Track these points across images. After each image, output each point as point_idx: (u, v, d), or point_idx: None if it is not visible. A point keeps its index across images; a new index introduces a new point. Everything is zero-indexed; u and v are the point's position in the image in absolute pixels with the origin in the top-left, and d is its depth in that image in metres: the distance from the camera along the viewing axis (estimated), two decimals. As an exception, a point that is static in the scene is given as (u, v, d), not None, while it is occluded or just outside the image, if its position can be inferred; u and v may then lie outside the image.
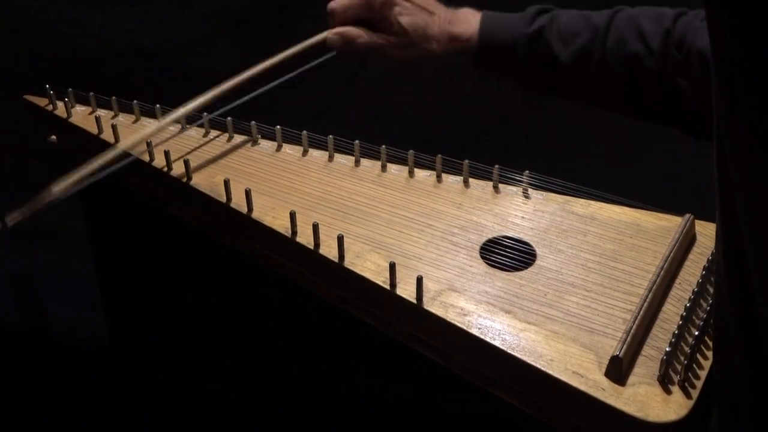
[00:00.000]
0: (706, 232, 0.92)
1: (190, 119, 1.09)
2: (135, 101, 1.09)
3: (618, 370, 0.73)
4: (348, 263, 0.86)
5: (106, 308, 1.29)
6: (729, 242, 0.56)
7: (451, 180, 1.02)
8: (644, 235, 0.92)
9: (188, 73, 1.41)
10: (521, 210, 0.97)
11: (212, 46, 1.44)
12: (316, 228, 0.88)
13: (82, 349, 1.46)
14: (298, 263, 0.91)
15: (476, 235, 0.92)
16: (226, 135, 1.10)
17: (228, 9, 1.43)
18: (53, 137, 1.14)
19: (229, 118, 1.08)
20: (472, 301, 0.82)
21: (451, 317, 0.80)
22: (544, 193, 0.99)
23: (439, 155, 1.02)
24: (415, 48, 1.02)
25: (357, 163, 1.05)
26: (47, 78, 1.13)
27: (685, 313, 0.78)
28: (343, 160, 1.06)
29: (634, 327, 0.75)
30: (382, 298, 0.84)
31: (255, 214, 0.93)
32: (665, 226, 0.93)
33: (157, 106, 1.10)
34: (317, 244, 0.88)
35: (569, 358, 0.75)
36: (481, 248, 0.90)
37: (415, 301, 0.81)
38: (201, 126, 1.10)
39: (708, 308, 0.80)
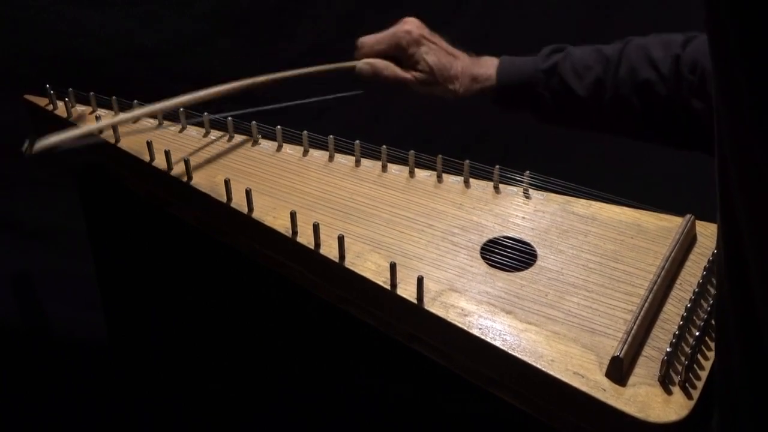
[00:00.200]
0: (707, 233, 0.92)
1: (190, 118, 1.09)
2: (135, 101, 1.09)
3: (619, 370, 0.73)
4: (348, 263, 0.86)
5: (106, 308, 1.29)
6: (729, 242, 0.56)
7: (452, 180, 1.02)
8: (645, 236, 0.92)
9: (188, 73, 1.41)
10: (522, 210, 0.97)
11: (212, 46, 1.44)
12: (316, 228, 0.88)
13: (82, 349, 1.46)
14: (299, 263, 0.91)
15: (477, 236, 0.92)
16: (227, 135, 1.10)
17: (228, 9, 1.44)
18: (53, 137, 1.14)
19: (229, 118, 1.08)
20: (473, 301, 0.82)
21: (452, 317, 0.80)
22: (545, 194, 0.99)
23: (440, 155, 1.02)
24: (438, 86, 1.07)
25: (357, 163, 1.05)
26: (47, 78, 1.13)
27: (685, 314, 0.78)
28: (344, 160, 1.06)
29: (635, 327, 0.75)
30: (383, 298, 0.84)
31: (255, 214, 0.93)
32: (666, 226, 0.93)
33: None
34: (318, 244, 0.88)
35: (570, 358, 0.75)
36: (482, 248, 0.90)
37: (415, 302, 0.81)
38: (201, 126, 1.10)
39: (708, 309, 0.80)
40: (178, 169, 1.00)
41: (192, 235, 1.03)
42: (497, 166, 1.00)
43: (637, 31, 1.02)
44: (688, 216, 0.92)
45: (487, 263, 0.88)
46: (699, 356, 0.76)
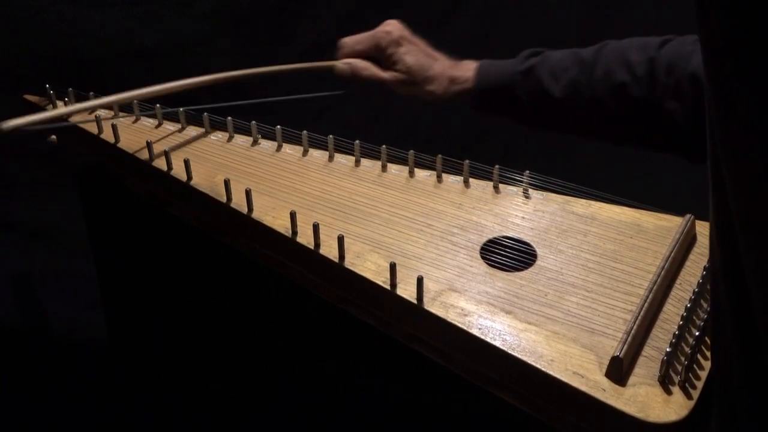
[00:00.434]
0: (707, 233, 0.92)
1: (191, 119, 1.09)
2: (135, 101, 1.09)
3: (618, 370, 0.73)
4: (348, 263, 0.86)
5: (106, 308, 1.29)
6: (725, 246, 0.56)
7: (452, 180, 1.02)
8: (644, 236, 0.92)
9: (188, 73, 1.40)
10: (521, 210, 0.97)
11: (212, 46, 1.44)
12: (316, 228, 0.88)
13: (82, 349, 1.46)
14: (298, 263, 0.91)
15: (476, 235, 0.92)
16: (227, 135, 1.10)
17: (228, 9, 1.44)
18: (53, 137, 1.14)
19: (229, 118, 1.08)
20: (473, 301, 0.82)
21: (452, 317, 0.80)
22: (544, 193, 0.99)
23: (440, 155, 1.02)
24: (416, 87, 1.08)
25: (357, 163, 1.05)
26: (47, 78, 1.13)
27: (685, 314, 0.78)
28: (344, 160, 1.06)
29: (635, 327, 0.75)
30: (383, 298, 0.84)
31: (255, 214, 0.93)
32: (665, 226, 0.93)
33: (157, 106, 1.10)
34: (317, 244, 0.88)
35: (570, 358, 0.75)
36: (482, 248, 0.90)
37: (415, 302, 0.81)
38: (201, 125, 1.10)
39: (708, 308, 0.80)
40: (177, 169, 1.00)
41: (192, 235, 1.03)
42: (497, 166, 1.00)
43: (637, 31, 1.02)
44: (687, 216, 0.92)
45: (486, 263, 0.88)
46: (699, 356, 0.76)
